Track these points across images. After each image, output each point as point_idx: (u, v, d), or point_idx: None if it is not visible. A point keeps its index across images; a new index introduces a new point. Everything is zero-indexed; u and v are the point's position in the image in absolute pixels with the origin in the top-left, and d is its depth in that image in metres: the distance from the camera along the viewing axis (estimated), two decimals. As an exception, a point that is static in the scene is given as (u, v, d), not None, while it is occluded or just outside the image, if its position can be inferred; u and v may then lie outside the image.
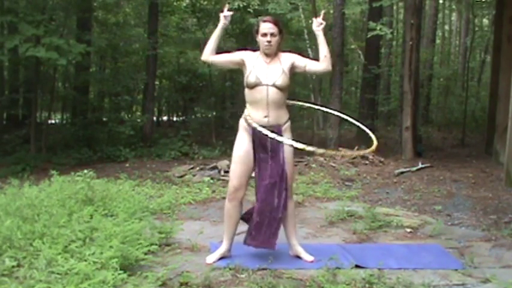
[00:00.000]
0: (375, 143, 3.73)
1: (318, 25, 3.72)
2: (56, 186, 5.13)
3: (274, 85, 3.60)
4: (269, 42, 3.63)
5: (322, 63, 3.68)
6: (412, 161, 9.44)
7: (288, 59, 3.72)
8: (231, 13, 3.79)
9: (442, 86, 19.31)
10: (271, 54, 3.69)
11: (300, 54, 3.87)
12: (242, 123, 3.72)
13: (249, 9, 11.35)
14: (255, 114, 3.63)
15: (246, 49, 3.88)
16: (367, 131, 3.95)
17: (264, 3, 11.40)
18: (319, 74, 3.87)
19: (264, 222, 3.65)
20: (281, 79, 3.61)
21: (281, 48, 3.78)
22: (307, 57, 3.94)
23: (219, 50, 3.81)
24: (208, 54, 3.76)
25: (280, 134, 3.62)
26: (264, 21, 3.69)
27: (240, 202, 3.74)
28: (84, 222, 3.99)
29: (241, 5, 10.91)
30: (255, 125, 3.58)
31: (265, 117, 3.60)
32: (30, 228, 3.72)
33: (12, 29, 10.91)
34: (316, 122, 11.19)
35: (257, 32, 3.70)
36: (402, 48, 11.98)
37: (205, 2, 14.30)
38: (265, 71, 3.63)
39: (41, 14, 9.49)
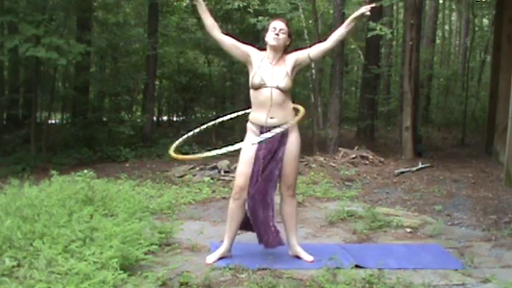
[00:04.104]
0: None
1: (365, 11, 3.66)
2: (56, 186, 5.12)
3: (277, 87, 3.63)
4: (277, 35, 3.66)
5: (329, 41, 3.72)
6: (412, 161, 9.44)
7: (292, 59, 3.74)
8: None
9: (442, 86, 19.32)
10: (277, 55, 3.70)
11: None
12: (250, 126, 3.74)
13: (249, 9, 11.33)
14: (261, 116, 3.65)
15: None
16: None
17: (264, 3, 11.38)
18: (324, 53, 3.83)
19: (258, 222, 3.67)
20: (284, 81, 3.64)
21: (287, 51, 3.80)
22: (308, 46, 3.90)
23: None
24: (213, 29, 3.75)
25: (286, 133, 3.66)
26: (276, 19, 3.79)
27: (244, 202, 3.73)
28: (84, 222, 3.98)
29: (241, 5, 10.90)
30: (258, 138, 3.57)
31: (272, 118, 3.63)
32: (30, 228, 3.71)
33: (12, 29, 10.91)
34: (316, 122, 11.18)
35: (267, 30, 3.75)
36: (402, 48, 11.99)
37: (205, 2, 14.28)
38: (269, 73, 3.66)
39: (41, 14, 9.48)
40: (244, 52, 3.77)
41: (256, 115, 3.68)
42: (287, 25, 3.74)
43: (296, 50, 3.87)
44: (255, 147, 3.65)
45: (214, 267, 3.55)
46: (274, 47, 3.69)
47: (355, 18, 3.70)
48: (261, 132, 3.63)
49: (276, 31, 3.67)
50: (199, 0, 3.75)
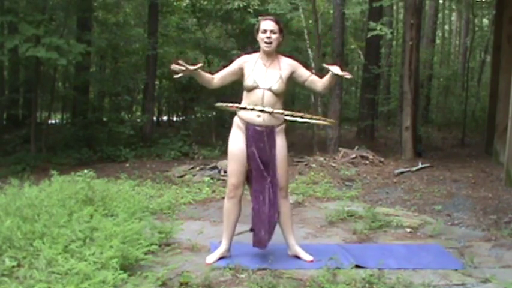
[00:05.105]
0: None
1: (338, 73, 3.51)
2: (56, 186, 5.12)
3: (270, 89, 3.64)
4: (269, 38, 3.66)
5: (323, 85, 3.70)
6: (412, 161, 9.43)
7: (289, 66, 3.74)
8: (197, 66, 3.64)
9: (442, 86, 19.31)
10: (270, 56, 3.71)
11: (300, 59, 3.87)
12: (236, 121, 3.75)
13: (249, 9, 11.33)
14: (249, 114, 3.66)
15: (245, 50, 3.89)
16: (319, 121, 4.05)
17: (264, 3, 11.39)
18: (315, 90, 3.85)
19: (260, 221, 3.68)
20: (277, 84, 3.65)
21: (280, 48, 3.79)
22: (310, 68, 3.92)
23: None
24: (211, 82, 3.77)
25: (273, 135, 3.67)
26: (265, 19, 3.75)
27: (239, 200, 3.75)
28: (84, 222, 3.99)
29: (241, 5, 10.91)
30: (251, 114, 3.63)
31: (258, 116, 3.63)
32: (30, 228, 3.72)
33: (12, 29, 10.91)
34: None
35: (257, 30, 3.73)
36: (402, 48, 11.97)
37: (205, 2, 14.28)
38: (263, 75, 3.67)
39: (41, 14, 9.49)
40: (238, 70, 3.75)
41: (246, 112, 3.67)
42: (277, 22, 3.71)
43: (295, 49, 3.88)
44: (243, 144, 3.66)
45: (214, 267, 3.56)
46: (268, 52, 3.70)
47: (335, 76, 3.55)
48: (246, 129, 3.66)
49: (267, 34, 3.65)
50: (197, 71, 3.64)
